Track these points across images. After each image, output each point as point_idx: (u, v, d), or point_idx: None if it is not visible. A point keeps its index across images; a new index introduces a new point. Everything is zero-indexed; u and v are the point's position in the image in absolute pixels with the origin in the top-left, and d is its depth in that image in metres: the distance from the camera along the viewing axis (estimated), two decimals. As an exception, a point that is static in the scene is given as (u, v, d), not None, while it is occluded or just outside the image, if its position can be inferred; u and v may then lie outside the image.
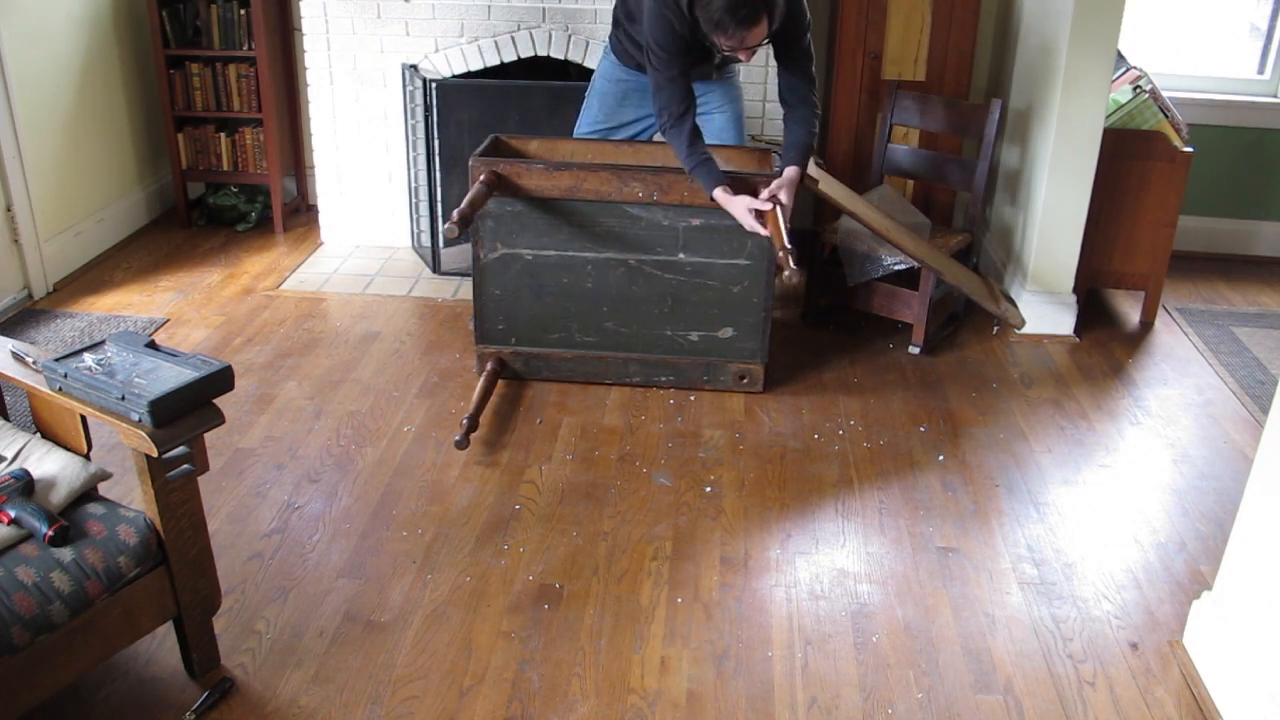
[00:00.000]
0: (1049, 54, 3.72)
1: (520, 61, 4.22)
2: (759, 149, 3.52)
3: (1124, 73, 3.89)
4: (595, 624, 2.39)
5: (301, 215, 4.87)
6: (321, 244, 4.55)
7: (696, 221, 3.20)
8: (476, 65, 4.22)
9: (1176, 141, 3.84)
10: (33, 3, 3.89)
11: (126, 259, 4.35)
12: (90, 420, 2.06)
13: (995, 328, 3.90)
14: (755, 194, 3.06)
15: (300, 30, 4.45)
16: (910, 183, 4.32)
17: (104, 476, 2.11)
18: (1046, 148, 3.72)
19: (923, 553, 2.67)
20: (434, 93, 4.01)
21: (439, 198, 4.17)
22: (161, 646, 2.26)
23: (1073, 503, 2.91)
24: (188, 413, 1.94)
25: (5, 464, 2.07)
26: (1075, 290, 3.88)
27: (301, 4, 4.20)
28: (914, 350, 3.71)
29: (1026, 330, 3.85)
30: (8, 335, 2.65)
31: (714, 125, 3.48)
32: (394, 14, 4.18)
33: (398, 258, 4.42)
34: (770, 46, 3.09)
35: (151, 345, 2.06)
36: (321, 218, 4.56)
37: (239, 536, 2.65)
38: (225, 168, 4.64)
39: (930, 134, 4.16)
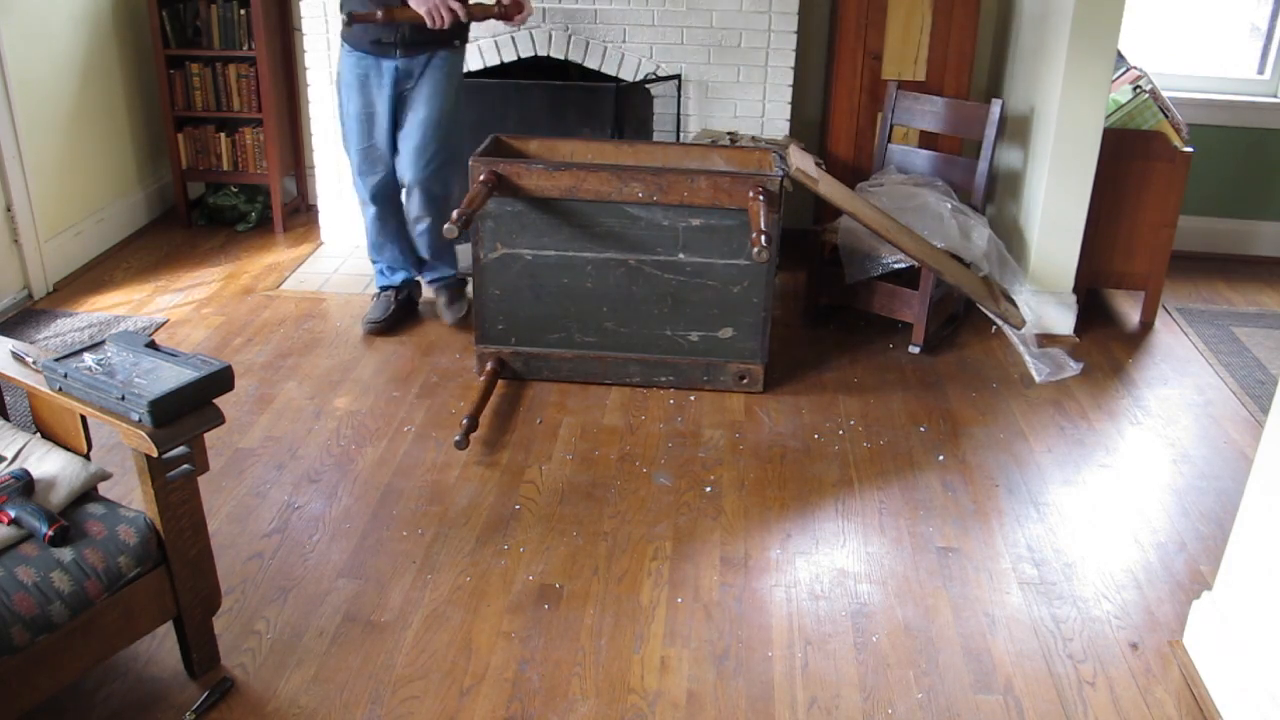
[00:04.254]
0: (1049, 54, 3.72)
1: (520, 61, 4.22)
2: (758, 149, 3.52)
3: (1124, 73, 3.89)
4: (595, 624, 2.39)
5: (301, 215, 4.87)
6: (321, 244, 4.55)
7: (696, 221, 3.20)
8: (476, 65, 4.22)
9: (1176, 141, 3.84)
10: (33, 3, 3.89)
11: (126, 259, 4.35)
12: (90, 420, 2.06)
13: (994, 328, 3.90)
14: (755, 190, 3.07)
15: (300, 30, 4.45)
16: (910, 183, 4.32)
17: (104, 476, 2.11)
18: (1046, 148, 3.72)
19: (923, 553, 2.67)
20: (434, 93, 4.00)
21: (439, 198, 4.17)
22: (161, 646, 2.26)
23: (1073, 503, 2.91)
24: (188, 413, 1.94)
25: (5, 464, 2.07)
26: (1075, 290, 3.88)
27: (301, 4, 4.20)
28: (914, 350, 3.71)
29: (1027, 330, 3.84)
30: (8, 335, 2.65)
31: (412, 120, 3.45)
32: (394, 14, 4.17)
33: (398, 258, 4.42)
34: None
35: (151, 345, 2.06)
36: (321, 218, 4.56)
37: (239, 536, 2.65)
38: (225, 168, 4.64)
39: (930, 134, 4.16)
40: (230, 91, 4.51)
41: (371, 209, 3.63)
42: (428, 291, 3.87)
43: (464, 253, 3.86)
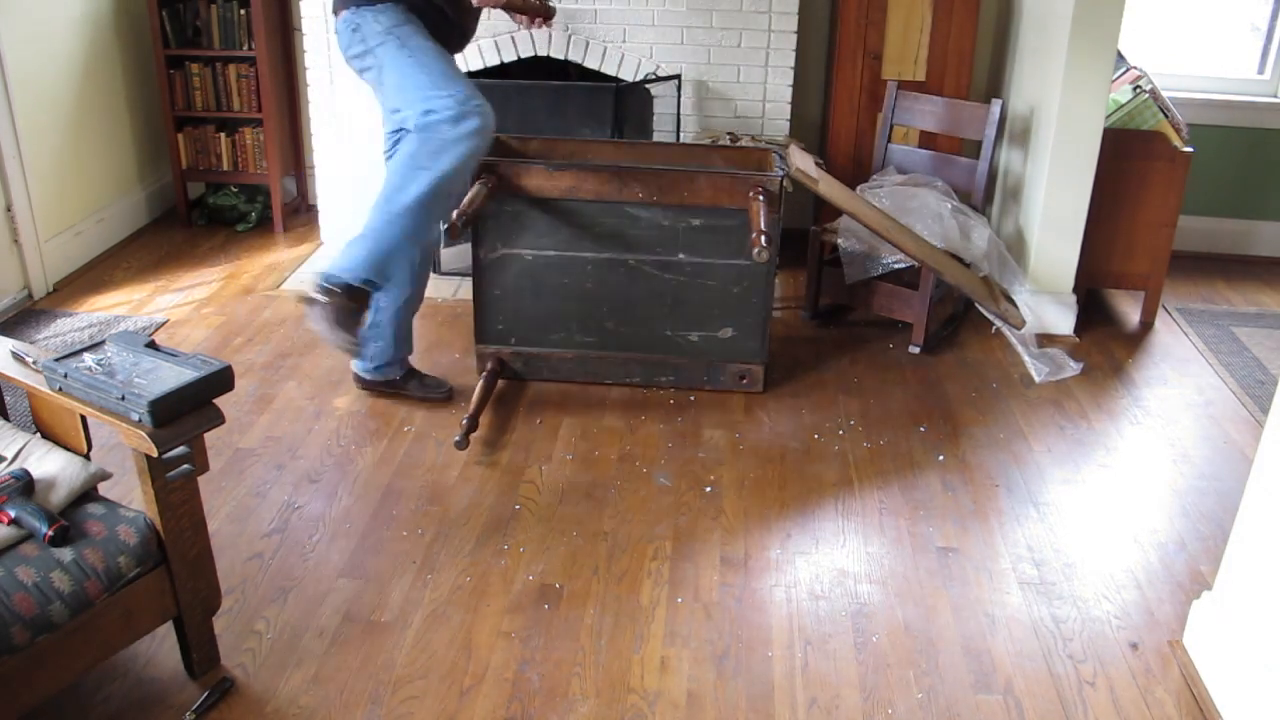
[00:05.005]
0: (1049, 54, 3.72)
1: (520, 61, 4.22)
2: (758, 149, 3.52)
3: (1124, 73, 3.90)
4: (595, 624, 2.39)
5: (301, 215, 4.87)
6: (321, 244, 4.55)
7: (696, 221, 3.20)
8: (476, 65, 4.22)
9: (1176, 141, 3.84)
10: (33, 3, 3.89)
11: (126, 259, 4.35)
12: (90, 420, 2.06)
13: (994, 328, 3.90)
14: (755, 190, 3.07)
15: (300, 30, 4.44)
16: (910, 183, 4.32)
17: (104, 476, 2.11)
18: (1046, 148, 3.72)
19: (923, 553, 2.67)
20: (434, 93, 4.00)
21: (439, 198, 4.16)
22: (161, 646, 2.26)
23: (1073, 503, 2.91)
24: (188, 413, 1.94)
25: (5, 464, 2.07)
26: (1075, 290, 3.88)
27: (301, 4, 4.20)
28: (914, 350, 3.71)
29: (1026, 330, 3.84)
30: (8, 335, 2.65)
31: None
32: (394, 14, 4.17)
33: (398, 258, 4.41)
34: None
35: (151, 345, 2.06)
36: (321, 218, 4.56)
37: (239, 536, 2.65)
38: (225, 168, 4.64)
39: (930, 134, 4.16)
40: (230, 91, 4.51)
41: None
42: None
43: (464, 253, 3.86)
